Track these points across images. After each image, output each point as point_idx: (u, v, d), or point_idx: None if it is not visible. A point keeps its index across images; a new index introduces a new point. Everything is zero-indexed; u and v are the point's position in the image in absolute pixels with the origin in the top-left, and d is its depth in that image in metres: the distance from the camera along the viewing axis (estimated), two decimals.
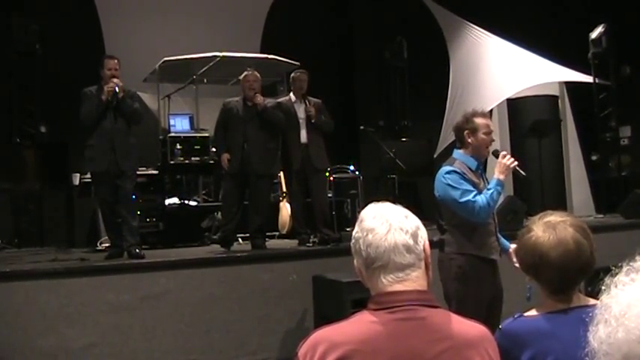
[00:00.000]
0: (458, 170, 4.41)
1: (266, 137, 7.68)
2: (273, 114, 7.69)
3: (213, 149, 8.96)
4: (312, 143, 7.88)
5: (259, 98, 7.54)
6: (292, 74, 8.22)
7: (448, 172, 4.41)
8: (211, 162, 8.99)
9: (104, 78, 7.05)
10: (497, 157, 4.55)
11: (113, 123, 6.99)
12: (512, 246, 4.40)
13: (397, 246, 1.90)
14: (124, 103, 7.01)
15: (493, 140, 4.57)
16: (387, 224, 1.92)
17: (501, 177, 4.39)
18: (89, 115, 6.98)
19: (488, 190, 4.39)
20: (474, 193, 4.33)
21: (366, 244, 1.92)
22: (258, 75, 7.78)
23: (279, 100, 8.26)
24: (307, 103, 7.89)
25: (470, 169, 4.46)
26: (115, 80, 6.94)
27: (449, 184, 4.37)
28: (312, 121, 7.84)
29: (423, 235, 1.98)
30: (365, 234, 1.94)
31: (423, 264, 1.95)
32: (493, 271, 4.51)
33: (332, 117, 8.18)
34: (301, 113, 7.90)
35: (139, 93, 7.78)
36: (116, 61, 7.11)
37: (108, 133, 6.97)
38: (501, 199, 8.51)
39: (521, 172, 4.54)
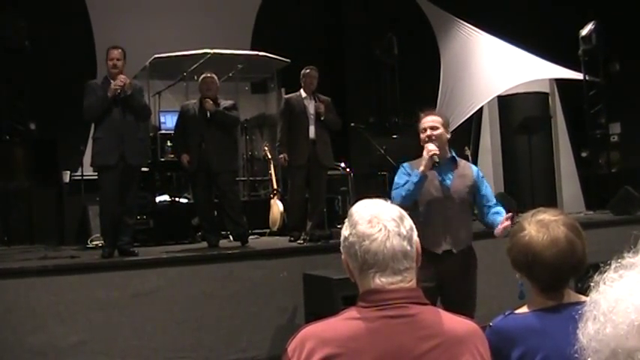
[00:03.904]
0: (405, 165, 4.75)
1: (222, 136, 7.69)
2: (224, 116, 7.69)
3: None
4: (320, 140, 8.04)
5: (209, 104, 7.58)
6: (303, 71, 8.29)
7: (399, 167, 4.80)
8: None
9: (108, 69, 6.91)
10: None
11: (122, 116, 6.80)
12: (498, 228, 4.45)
13: (396, 253, 1.89)
14: (132, 98, 6.85)
15: (429, 137, 4.61)
16: (384, 230, 1.89)
17: (420, 168, 4.55)
18: (91, 108, 6.81)
19: (407, 182, 4.60)
20: (399, 185, 4.64)
21: (363, 251, 1.89)
22: (216, 78, 7.88)
23: (288, 95, 8.33)
24: (317, 99, 8.06)
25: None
26: (123, 77, 6.76)
27: (395, 177, 4.75)
28: (322, 118, 8.00)
29: (416, 235, 1.97)
30: (361, 239, 1.90)
31: (414, 264, 1.95)
32: (436, 262, 4.51)
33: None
34: (311, 109, 8.04)
35: None
36: (119, 50, 6.93)
37: (116, 127, 6.77)
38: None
39: (436, 159, 4.57)
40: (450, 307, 4.40)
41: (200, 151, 7.54)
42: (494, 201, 4.78)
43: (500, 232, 4.35)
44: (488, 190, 4.82)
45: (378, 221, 1.91)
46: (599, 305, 1.39)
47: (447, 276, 4.58)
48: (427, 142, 4.62)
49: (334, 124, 8.22)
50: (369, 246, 1.88)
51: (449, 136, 4.74)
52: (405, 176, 4.66)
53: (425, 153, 4.55)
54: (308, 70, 8.22)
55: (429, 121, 4.69)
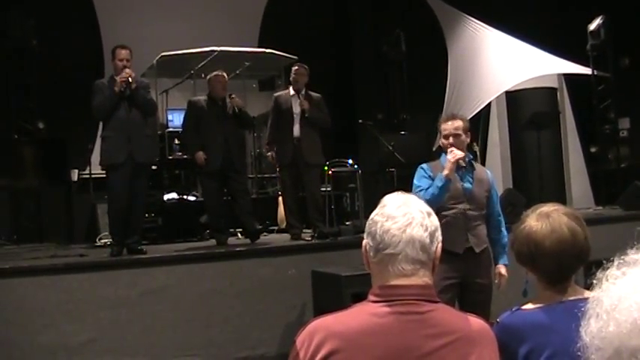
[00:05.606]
0: (424, 167, 4.79)
1: (241, 135, 7.85)
2: (247, 115, 7.87)
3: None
4: (306, 138, 7.78)
5: (237, 101, 7.64)
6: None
7: (418, 169, 4.81)
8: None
9: (116, 69, 6.88)
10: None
11: (128, 114, 6.79)
12: (500, 266, 4.79)
13: (414, 241, 1.89)
14: (137, 94, 6.83)
15: (451, 144, 4.67)
16: (409, 216, 1.92)
17: (445, 172, 4.56)
18: (101, 107, 6.82)
19: (431, 186, 4.62)
20: (422, 188, 4.62)
21: (383, 230, 1.91)
22: (226, 76, 7.88)
23: (278, 93, 8.26)
24: (300, 97, 7.82)
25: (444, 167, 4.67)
26: (128, 70, 6.76)
27: (414, 179, 4.77)
28: (306, 115, 7.76)
29: (439, 237, 1.97)
30: (385, 219, 1.92)
31: (431, 264, 1.95)
32: (459, 262, 4.61)
33: (331, 112, 8.12)
34: (296, 108, 7.82)
35: None
36: (128, 50, 6.90)
37: (123, 125, 6.77)
38: (500, 192, 8.53)
39: (462, 164, 4.71)
40: (468, 306, 4.41)
41: (224, 149, 7.52)
42: (500, 211, 4.95)
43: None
44: (497, 197, 5.00)
45: (406, 208, 1.94)
46: (602, 303, 1.38)
47: (469, 275, 4.68)
48: (447, 147, 4.68)
49: (322, 122, 7.92)
50: (390, 226, 1.90)
51: (469, 140, 4.84)
52: (426, 179, 4.70)
53: (450, 157, 4.59)
54: (296, 67, 7.97)
55: (453, 127, 4.74)
